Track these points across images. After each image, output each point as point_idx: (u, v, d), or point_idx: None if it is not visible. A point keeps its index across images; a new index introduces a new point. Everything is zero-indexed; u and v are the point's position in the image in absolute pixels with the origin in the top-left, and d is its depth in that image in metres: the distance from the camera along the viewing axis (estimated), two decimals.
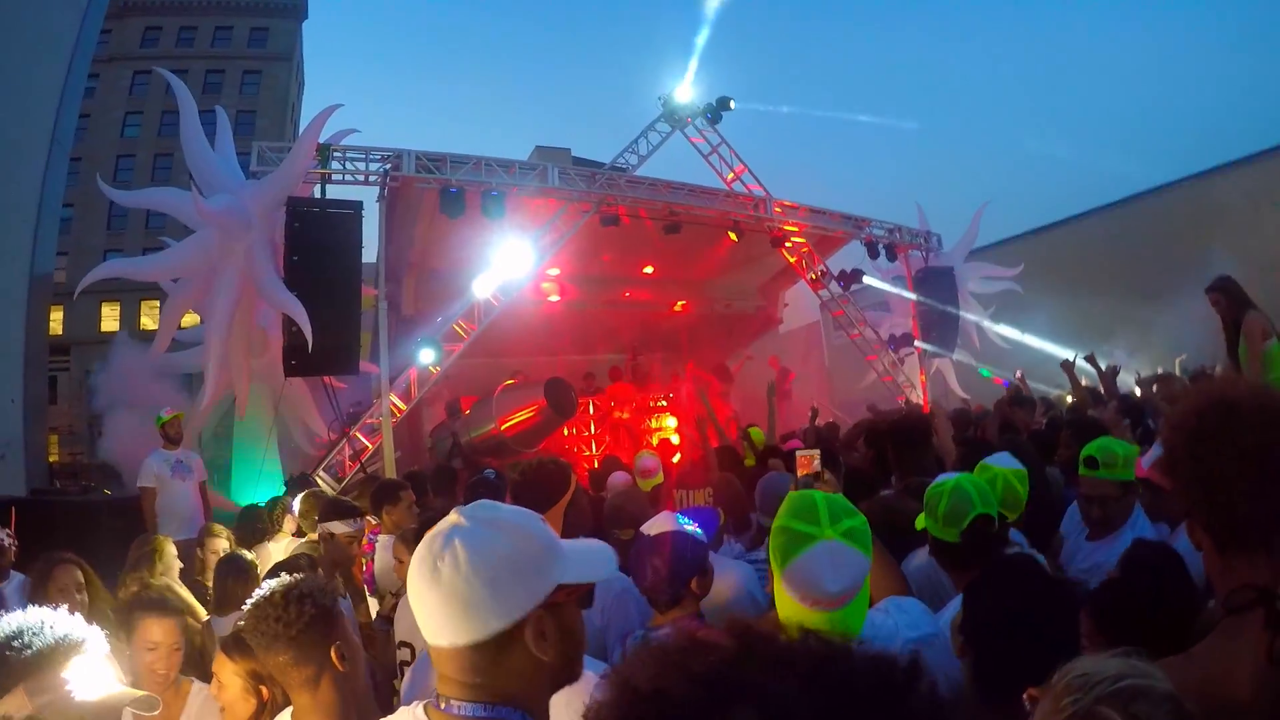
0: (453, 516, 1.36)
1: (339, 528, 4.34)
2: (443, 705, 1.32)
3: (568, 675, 1.39)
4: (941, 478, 2.90)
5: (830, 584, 1.93)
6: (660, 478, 6.32)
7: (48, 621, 1.85)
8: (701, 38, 12.29)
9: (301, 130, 10.13)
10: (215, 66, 43.48)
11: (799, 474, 3.17)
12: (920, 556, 3.13)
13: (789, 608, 1.98)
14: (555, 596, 1.33)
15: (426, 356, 9.98)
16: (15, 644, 1.74)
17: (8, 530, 4.85)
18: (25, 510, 8.55)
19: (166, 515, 7.59)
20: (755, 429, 8.85)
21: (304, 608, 2.27)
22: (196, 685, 3.19)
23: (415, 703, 1.39)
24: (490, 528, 1.33)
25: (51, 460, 23.39)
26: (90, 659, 1.82)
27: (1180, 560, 2.40)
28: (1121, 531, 3.38)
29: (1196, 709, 1.19)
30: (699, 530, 2.86)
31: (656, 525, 2.83)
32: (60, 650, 1.78)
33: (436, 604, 1.29)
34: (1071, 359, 7.65)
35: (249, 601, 2.36)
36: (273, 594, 2.29)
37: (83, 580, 3.95)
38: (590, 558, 1.47)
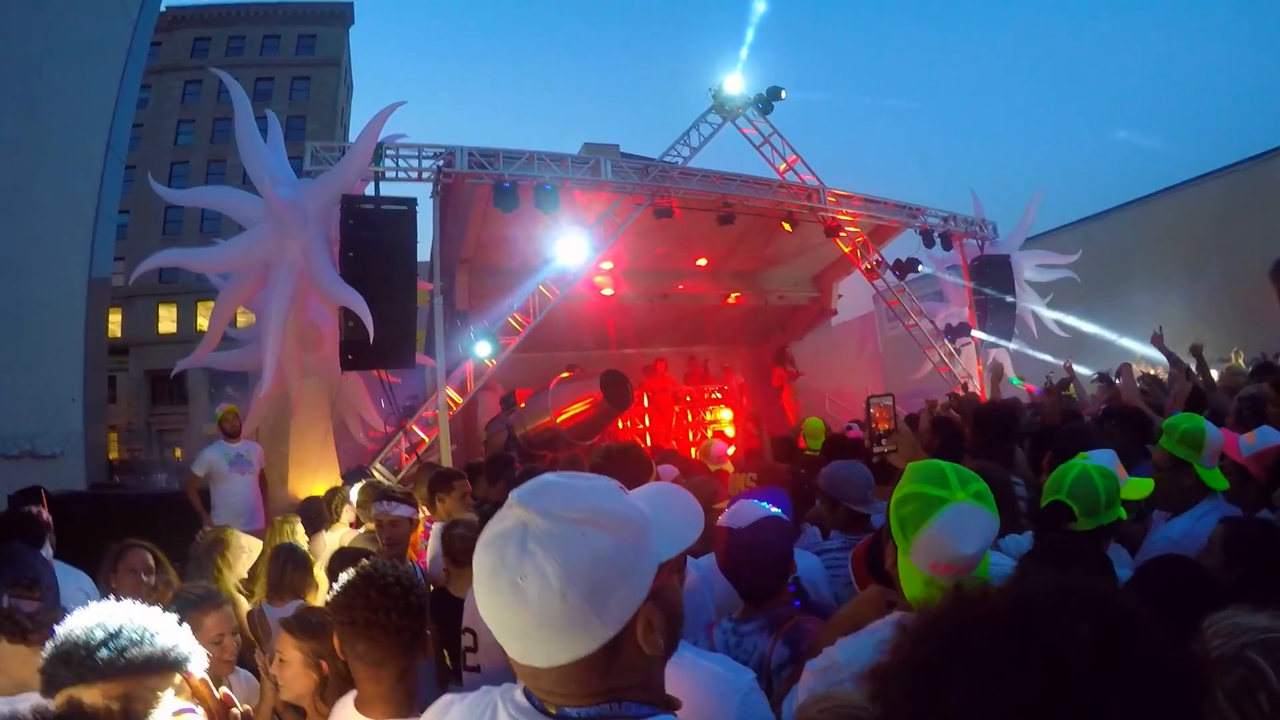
0: (519, 512, 1.13)
1: (379, 508, 4.49)
2: (552, 710, 1.15)
3: (671, 652, 1.24)
4: (1094, 454, 2.90)
5: (965, 546, 1.84)
6: (729, 465, 6.25)
7: (152, 628, 1.73)
8: (751, 28, 12.14)
9: (352, 133, 10.18)
10: (264, 74, 44.21)
11: (878, 427, 3.11)
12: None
13: (915, 580, 1.89)
14: (658, 581, 1.16)
15: (482, 350, 9.99)
16: (109, 645, 1.64)
17: (40, 507, 4.89)
18: (85, 504, 8.72)
19: (223, 508, 7.75)
20: (814, 419, 8.77)
21: (417, 599, 2.28)
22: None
23: (511, 686, 1.23)
24: (579, 525, 1.11)
25: (111, 457, 23.94)
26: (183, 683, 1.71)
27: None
28: (1182, 516, 3.29)
29: None
30: (779, 511, 2.79)
31: (743, 515, 2.74)
32: (161, 665, 1.67)
33: (527, 626, 1.10)
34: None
35: (341, 583, 2.32)
36: (386, 584, 2.25)
37: (153, 564, 4.02)
38: (678, 515, 1.28)
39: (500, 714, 1.20)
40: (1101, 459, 3.07)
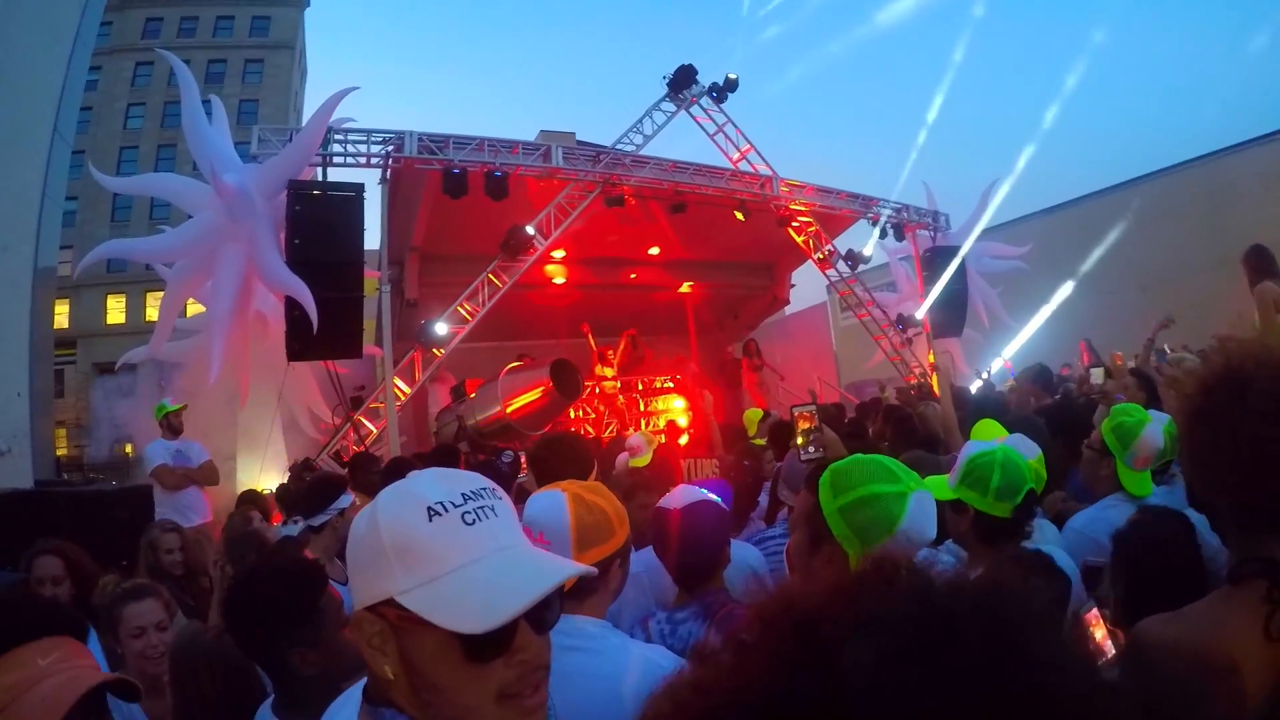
0: None
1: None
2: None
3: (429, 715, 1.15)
4: (980, 448, 2.75)
5: (931, 531, 1.84)
6: (647, 458, 6.15)
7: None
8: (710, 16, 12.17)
9: (305, 117, 9.99)
10: (217, 56, 43.42)
11: (800, 426, 3.11)
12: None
13: None
14: (387, 609, 1.12)
15: (431, 339, 9.91)
16: None
17: None
18: (30, 502, 8.48)
19: (165, 506, 7.43)
20: (753, 410, 8.85)
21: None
22: None
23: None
24: (369, 508, 1.22)
25: (59, 454, 23.44)
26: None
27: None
28: (1092, 505, 3.28)
29: (1181, 666, 1.24)
30: (718, 499, 2.78)
31: (681, 497, 2.71)
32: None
33: None
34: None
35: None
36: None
37: (63, 572, 3.74)
38: (476, 596, 1.08)
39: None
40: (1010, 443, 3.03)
